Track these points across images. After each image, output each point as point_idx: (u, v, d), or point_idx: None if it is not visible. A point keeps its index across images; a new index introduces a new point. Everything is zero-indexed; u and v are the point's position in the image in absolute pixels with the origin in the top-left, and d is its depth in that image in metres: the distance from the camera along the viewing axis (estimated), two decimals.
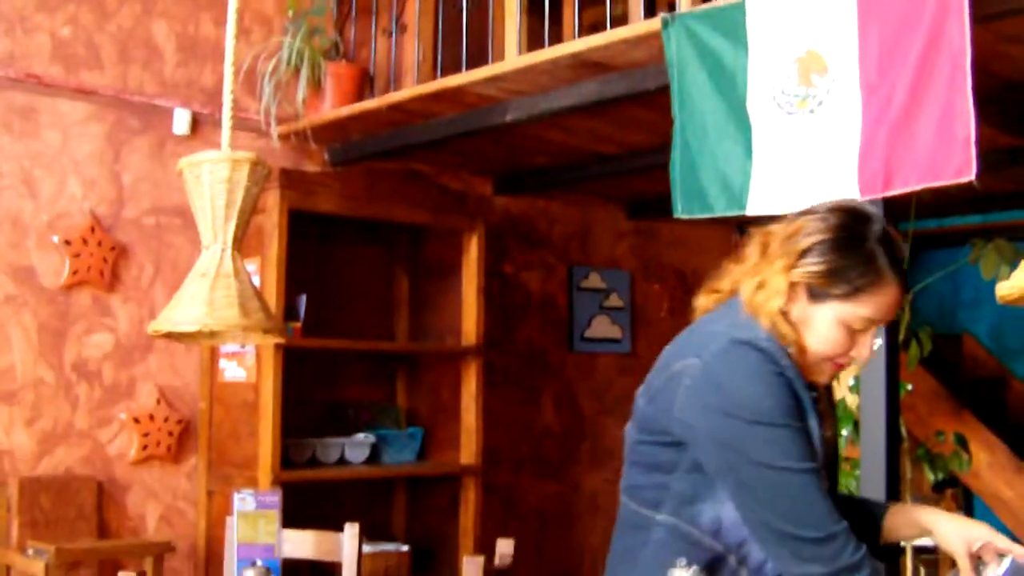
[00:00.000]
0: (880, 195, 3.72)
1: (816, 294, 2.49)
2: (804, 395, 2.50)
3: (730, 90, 4.10)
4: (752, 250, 2.61)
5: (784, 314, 2.51)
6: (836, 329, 2.50)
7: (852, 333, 2.51)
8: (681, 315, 7.86)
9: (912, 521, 2.79)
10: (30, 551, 4.84)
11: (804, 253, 2.48)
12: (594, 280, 7.49)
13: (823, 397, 2.72)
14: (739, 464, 2.48)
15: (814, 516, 2.42)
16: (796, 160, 3.90)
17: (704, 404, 2.51)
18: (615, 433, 7.28)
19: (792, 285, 2.49)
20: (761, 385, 2.45)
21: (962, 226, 7.64)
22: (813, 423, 2.51)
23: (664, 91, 4.33)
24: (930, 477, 7.28)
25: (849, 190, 3.74)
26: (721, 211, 4.16)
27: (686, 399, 2.54)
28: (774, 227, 2.58)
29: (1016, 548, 2.54)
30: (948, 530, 2.67)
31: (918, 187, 3.60)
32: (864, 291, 2.46)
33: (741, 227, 7.93)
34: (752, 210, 4.04)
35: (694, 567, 2.61)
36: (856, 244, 2.46)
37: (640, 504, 2.72)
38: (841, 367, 2.62)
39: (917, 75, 3.57)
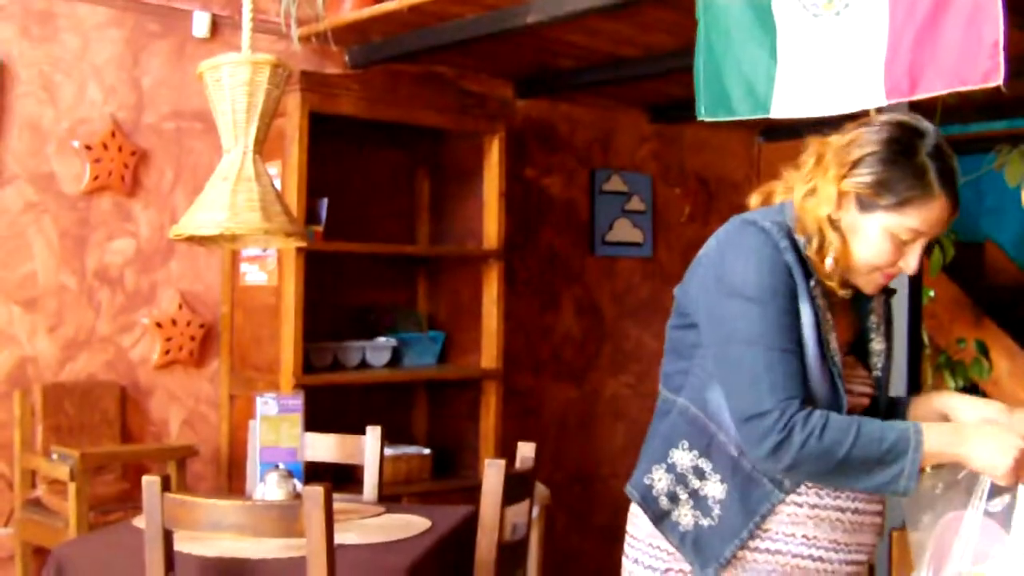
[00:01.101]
0: (906, 99, 3.69)
1: (865, 204, 2.56)
2: (800, 282, 2.58)
3: None
4: (808, 158, 2.68)
5: (833, 222, 2.59)
6: (883, 239, 2.56)
7: (899, 244, 2.58)
8: (702, 219, 7.93)
9: (931, 408, 2.90)
10: (55, 456, 4.87)
11: (856, 164, 2.55)
12: (616, 183, 7.45)
13: (862, 306, 2.82)
14: (720, 339, 2.63)
15: (760, 392, 2.53)
16: (821, 63, 3.87)
17: (705, 279, 2.68)
18: (636, 337, 7.32)
19: (842, 194, 2.57)
20: (753, 262, 2.58)
21: (987, 132, 7.56)
22: (807, 310, 2.58)
23: None
24: (951, 384, 7.28)
25: (875, 94, 3.70)
26: (745, 114, 4.13)
27: (696, 276, 2.73)
28: (832, 137, 2.65)
29: None
30: (964, 411, 2.79)
31: (944, 92, 3.57)
32: (912, 203, 2.51)
33: (765, 132, 7.89)
34: (776, 113, 4.01)
35: (694, 451, 2.73)
36: (907, 157, 2.52)
37: (668, 389, 2.83)
38: (890, 277, 2.69)
39: None
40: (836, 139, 2.64)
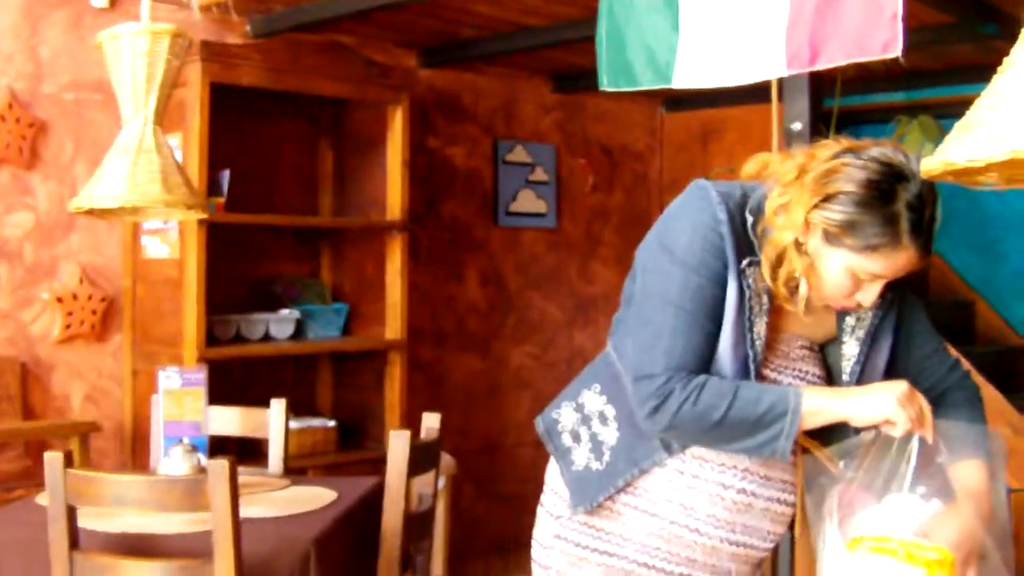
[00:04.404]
0: (806, 70, 3.72)
1: (831, 238, 2.46)
2: (732, 260, 2.54)
3: None
4: (792, 166, 2.55)
5: (800, 245, 2.51)
6: (843, 275, 2.49)
7: (859, 281, 2.51)
8: (606, 189, 7.94)
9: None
10: None
11: (830, 198, 2.44)
12: (519, 154, 7.45)
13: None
14: (642, 291, 2.63)
15: (656, 354, 2.53)
16: (723, 34, 3.88)
17: (651, 232, 2.66)
18: (540, 307, 7.34)
19: (810, 223, 2.47)
20: (689, 226, 2.55)
21: (887, 103, 7.65)
22: (733, 288, 2.54)
23: None
24: None
25: (775, 65, 3.73)
26: (647, 84, 4.15)
27: (650, 230, 2.69)
28: (821, 152, 2.53)
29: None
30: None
31: (844, 63, 3.60)
32: (877, 250, 2.42)
33: (668, 102, 7.92)
34: (678, 84, 4.03)
35: (604, 396, 2.78)
36: (882, 203, 2.41)
37: (609, 335, 2.86)
38: (843, 308, 2.64)
39: None
40: (823, 157, 2.51)
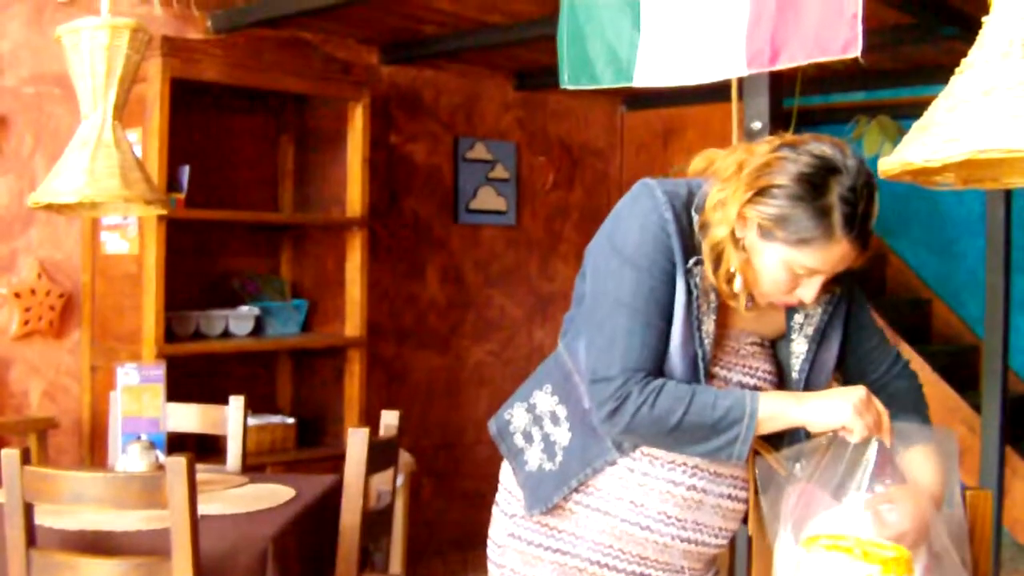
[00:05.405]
0: (766, 69, 3.72)
1: (765, 232, 2.46)
2: (679, 259, 2.54)
3: None
4: (731, 162, 2.54)
5: (737, 240, 2.50)
6: (780, 269, 2.48)
7: (796, 276, 2.49)
8: (566, 187, 7.93)
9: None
10: None
11: (763, 191, 2.43)
12: (480, 151, 7.46)
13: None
14: (594, 293, 2.64)
15: (612, 356, 2.54)
16: (683, 32, 3.89)
17: (600, 233, 2.67)
18: (499, 305, 7.34)
19: (744, 217, 2.47)
20: (637, 226, 2.56)
21: (846, 103, 7.68)
22: (681, 287, 2.55)
23: None
24: None
25: (736, 64, 3.73)
26: (608, 83, 4.14)
27: (598, 230, 2.69)
28: (760, 147, 2.52)
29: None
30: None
31: (805, 62, 3.60)
32: (810, 243, 2.41)
33: (628, 100, 7.94)
34: (639, 82, 4.03)
35: (555, 396, 2.79)
36: (814, 196, 2.40)
37: (560, 335, 2.86)
38: (787, 305, 2.63)
39: None
40: (761, 152, 2.50)
